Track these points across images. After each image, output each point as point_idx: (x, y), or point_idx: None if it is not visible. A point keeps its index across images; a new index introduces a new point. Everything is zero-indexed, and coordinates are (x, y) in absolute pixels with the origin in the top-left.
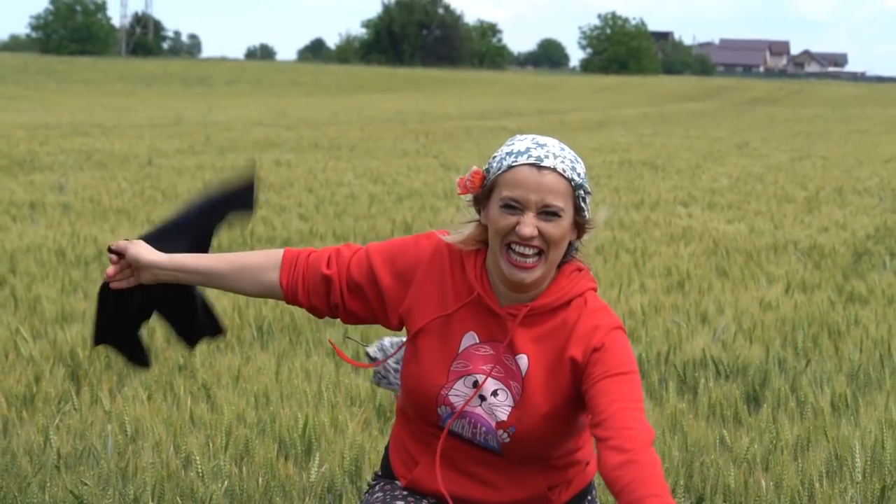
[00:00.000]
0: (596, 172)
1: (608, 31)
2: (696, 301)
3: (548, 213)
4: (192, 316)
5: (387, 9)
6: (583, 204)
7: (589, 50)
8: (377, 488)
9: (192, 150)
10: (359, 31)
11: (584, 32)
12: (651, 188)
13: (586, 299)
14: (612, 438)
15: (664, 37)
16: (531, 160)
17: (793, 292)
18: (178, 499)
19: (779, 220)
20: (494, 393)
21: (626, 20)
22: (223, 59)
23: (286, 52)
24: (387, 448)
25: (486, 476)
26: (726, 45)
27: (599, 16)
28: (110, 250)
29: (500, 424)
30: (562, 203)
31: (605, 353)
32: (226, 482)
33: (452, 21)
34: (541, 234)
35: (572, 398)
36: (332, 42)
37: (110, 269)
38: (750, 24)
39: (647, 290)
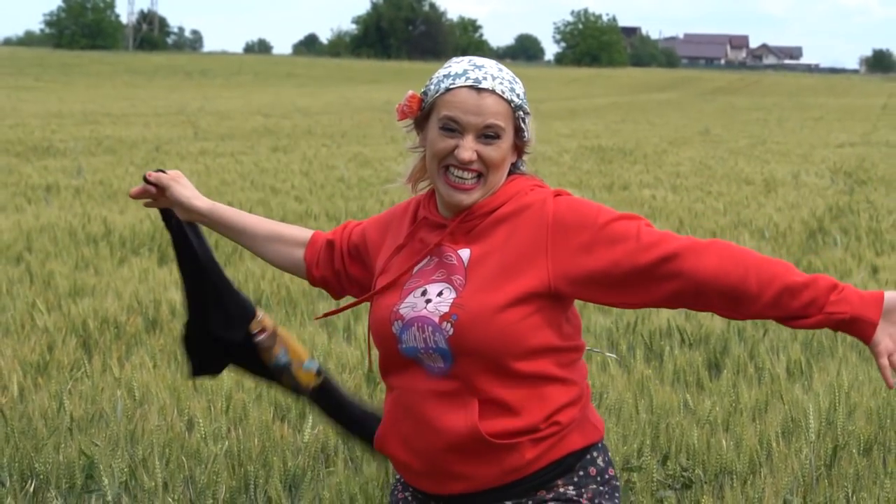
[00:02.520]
0: (569, 157)
1: (581, 26)
2: None
3: (487, 136)
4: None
5: (375, 6)
6: (522, 125)
7: (563, 44)
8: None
9: (194, 137)
10: (349, 26)
11: (558, 28)
12: (620, 172)
13: (529, 188)
14: (673, 251)
15: (633, 32)
16: (469, 82)
17: None
18: (182, 458)
19: (738, 201)
20: (440, 294)
21: (597, 16)
22: (223, 53)
23: (282, 46)
24: None
25: (430, 414)
26: (690, 39)
27: (573, 12)
28: (147, 180)
29: (442, 317)
30: (502, 123)
31: (570, 226)
32: (226, 443)
33: (436, 17)
34: (480, 157)
35: (523, 290)
36: (324, 37)
37: (134, 189)
38: (712, 19)
39: None
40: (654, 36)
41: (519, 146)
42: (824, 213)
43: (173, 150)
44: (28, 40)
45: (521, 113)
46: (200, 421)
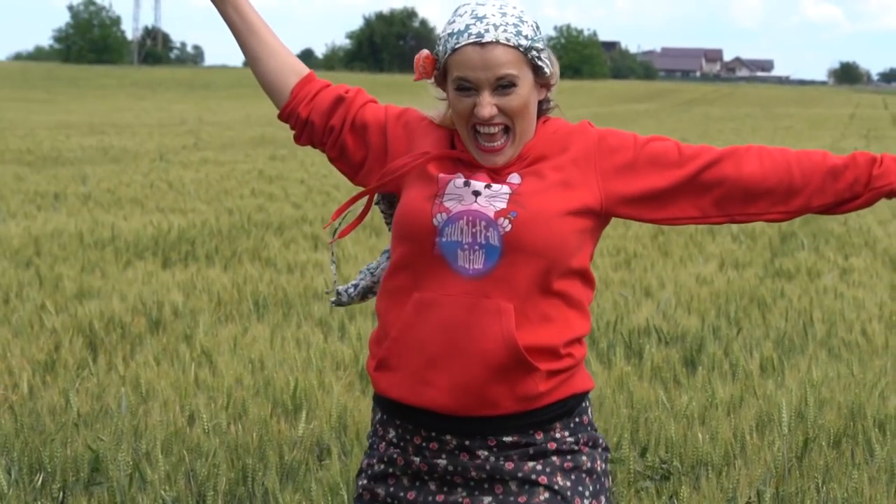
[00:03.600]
0: None
1: (563, 40)
2: (640, 277)
3: (502, 86)
4: None
5: (368, 22)
6: (539, 62)
7: None
8: (365, 485)
9: (196, 147)
10: (343, 41)
11: None
12: None
13: (582, 128)
14: (717, 157)
15: (612, 46)
16: (472, 38)
17: (726, 269)
18: (184, 452)
19: None
20: (488, 186)
21: (579, 31)
22: (224, 67)
23: None
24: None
25: (457, 321)
26: (667, 52)
27: (556, 27)
28: None
29: (499, 213)
30: (515, 71)
31: (611, 148)
32: (225, 438)
33: (426, 32)
34: (501, 110)
35: (578, 204)
36: (319, 51)
37: None
38: (688, 34)
39: (598, 267)
40: (633, 50)
41: (542, 83)
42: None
43: (176, 158)
44: (38, 55)
45: (535, 52)
46: (202, 416)
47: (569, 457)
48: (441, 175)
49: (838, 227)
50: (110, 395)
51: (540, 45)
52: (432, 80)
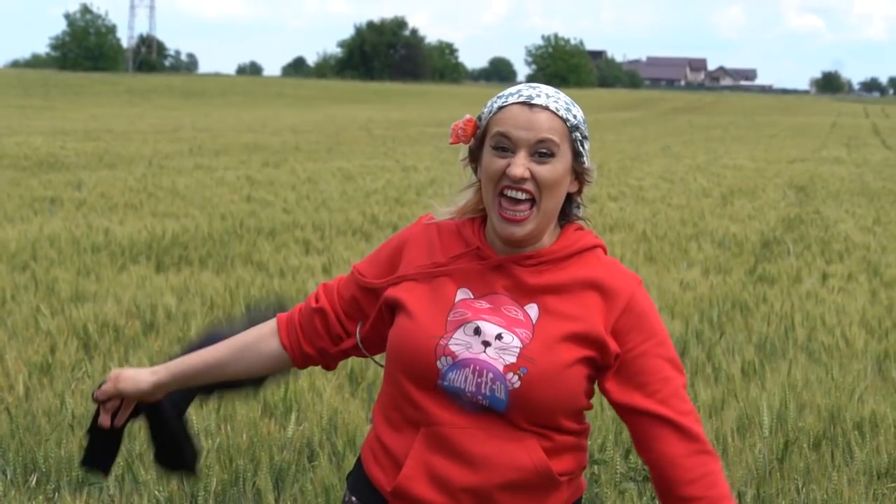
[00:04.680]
0: None
1: (550, 49)
2: None
3: (541, 153)
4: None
5: (359, 31)
6: (581, 148)
7: (534, 66)
8: None
9: (190, 153)
10: (335, 50)
11: (529, 51)
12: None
13: (598, 255)
14: (678, 420)
15: (599, 55)
16: (522, 99)
17: (709, 274)
18: None
19: (698, 213)
20: (499, 336)
21: (566, 40)
22: (217, 75)
23: (272, 68)
24: (357, 462)
25: (480, 452)
26: (652, 62)
27: (543, 37)
28: (97, 400)
29: (508, 367)
30: (557, 139)
31: (642, 318)
32: (217, 439)
33: (416, 41)
34: (533, 176)
35: (590, 355)
36: (311, 60)
37: (105, 419)
38: (673, 43)
39: None
40: (619, 59)
41: (579, 173)
42: (777, 225)
43: (170, 164)
44: (35, 62)
45: (579, 134)
46: (192, 418)
47: None
48: (450, 318)
49: (820, 233)
50: None
51: (584, 132)
52: (466, 156)
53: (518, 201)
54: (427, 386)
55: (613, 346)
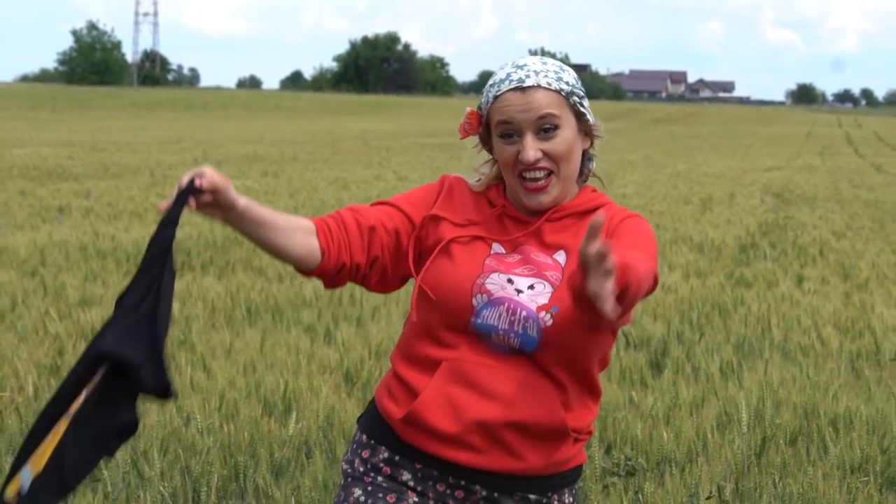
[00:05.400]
0: None
1: None
2: None
3: (545, 129)
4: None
5: (354, 46)
6: (582, 108)
7: None
8: (352, 479)
9: (193, 164)
10: (331, 64)
11: None
12: None
13: (612, 206)
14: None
15: (584, 68)
16: (513, 84)
17: (689, 278)
18: (179, 451)
19: (678, 219)
20: (531, 287)
21: (552, 54)
22: (218, 88)
23: (270, 82)
24: (371, 403)
25: (499, 389)
26: (634, 74)
27: (530, 51)
28: (197, 189)
29: (540, 307)
30: (557, 112)
31: (630, 225)
32: (218, 437)
33: (408, 56)
34: (546, 154)
35: None
36: (308, 74)
37: (192, 203)
38: (654, 57)
39: None
40: (603, 72)
41: (586, 131)
42: (755, 230)
43: (173, 174)
44: (43, 77)
45: (576, 98)
46: (195, 417)
47: None
48: (487, 260)
49: (795, 238)
50: None
51: (581, 93)
52: (477, 141)
53: (537, 179)
54: (459, 325)
55: None
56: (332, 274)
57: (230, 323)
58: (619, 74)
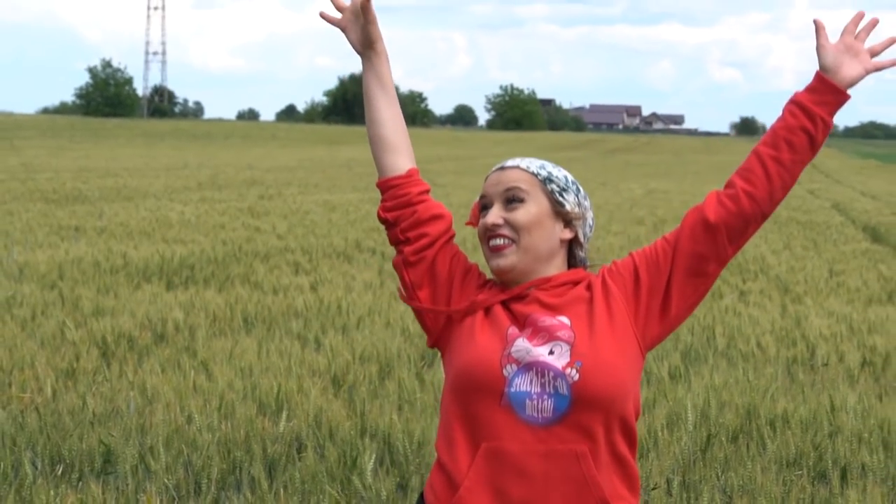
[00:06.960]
0: None
1: (507, 98)
2: None
3: (510, 200)
4: None
5: (342, 82)
6: (560, 198)
7: (493, 112)
8: None
9: (197, 188)
10: (321, 98)
11: (489, 99)
12: None
13: (604, 267)
14: (715, 194)
15: (548, 103)
16: (499, 166)
17: None
18: (182, 447)
19: (634, 238)
20: (550, 352)
21: (520, 90)
22: (220, 120)
23: (267, 114)
24: (419, 499)
25: (537, 466)
26: (594, 108)
27: (501, 86)
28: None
29: (566, 365)
30: (525, 188)
31: (622, 265)
32: (217, 434)
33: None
34: (506, 222)
35: (630, 332)
36: (301, 107)
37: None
38: (612, 92)
39: None
40: (566, 106)
41: (564, 219)
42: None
43: (178, 197)
44: (62, 109)
45: (555, 186)
46: (197, 416)
47: None
48: (510, 330)
49: (738, 256)
50: (121, 398)
51: (561, 185)
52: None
53: (498, 243)
54: (492, 400)
55: (637, 310)
56: (399, 197)
57: (229, 331)
58: (581, 108)
